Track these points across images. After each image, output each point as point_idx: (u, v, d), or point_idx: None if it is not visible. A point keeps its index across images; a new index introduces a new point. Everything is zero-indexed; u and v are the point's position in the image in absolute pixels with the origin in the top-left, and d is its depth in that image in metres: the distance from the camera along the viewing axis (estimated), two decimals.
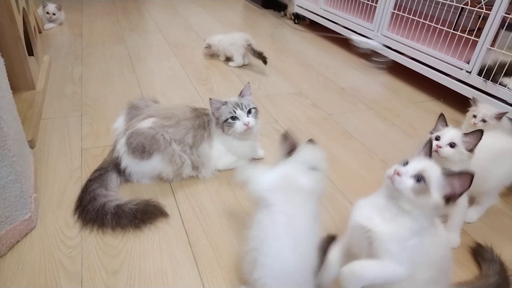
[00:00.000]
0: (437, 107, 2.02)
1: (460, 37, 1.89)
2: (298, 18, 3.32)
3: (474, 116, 1.48)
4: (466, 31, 1.88)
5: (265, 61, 2.17)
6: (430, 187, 0.70)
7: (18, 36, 1.52)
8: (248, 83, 1.33)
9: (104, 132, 1.49)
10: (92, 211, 1.07)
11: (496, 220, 1.24)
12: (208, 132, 1.30)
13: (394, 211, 0.73)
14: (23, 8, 1.70)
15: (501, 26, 1.72)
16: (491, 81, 1.73)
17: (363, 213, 0.77)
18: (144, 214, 1.08)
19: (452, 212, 1.13)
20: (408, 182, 0.71)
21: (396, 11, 2.25)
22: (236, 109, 1.23)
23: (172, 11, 3.44)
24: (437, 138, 1.06)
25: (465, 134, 1.03)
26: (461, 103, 1.96)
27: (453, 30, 1.97)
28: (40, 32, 2.44)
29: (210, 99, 1.23)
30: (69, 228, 1.06)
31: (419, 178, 0.70)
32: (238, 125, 1.23)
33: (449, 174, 0.71)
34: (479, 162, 1.10)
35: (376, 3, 2.36)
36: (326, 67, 2.43)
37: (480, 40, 1.75)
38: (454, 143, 1.03)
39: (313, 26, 3.24)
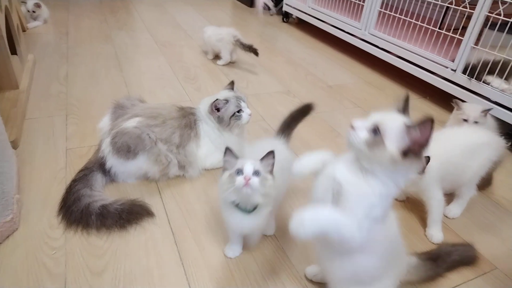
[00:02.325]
0: (423, 105, 2.04)
1: (446, 36, 1.92)
2: (287, 17, 3.33)
3: (465, 120, 1.45)
4: (454, 29, 1.90)
5: (256, 53, 2.16)
6: (385, 138, 0.64)
7: (0, 34, 1.49)
8: (233, 80, 1.40)
9: (90, 132, 1.48)
10: (76, 211, 1.06)
11: (480, 216, 1.26)
12: (195, 131, 1.30)
13: (362, 173, 0.68)
14: (5, 6, 1.67)
15: (485, 25, 1.74)
16: (475, 79, 1.76)
17: (338, 166, 0.71)
18: (130, 214, 1.08)
19: (429, 208, 1.14)
20: (361, 135, 0.66)
21: (383, 10, 2.27)
22: (240, 102, 1.29)
23: (161, 9, 3.41)
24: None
25: None
26: (447, 101, 1.98)
27: (440, 28, 1.99)
28: (24, 31, 2.40)
29: (216, 99, 1.25)
30: (53, 229, 1.04)
31: (375, 130, 0.65)
32: (244, 116, 1.29)
33: (409, 125, 0.64)
34: (454, 159, 1.13)
35: (364, 2, 2.37)
36: (314, 66, 2.44)
37: (465, 39, 1.78)
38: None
39: (301, 25, 3.25)
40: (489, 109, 1.46)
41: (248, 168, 0.83)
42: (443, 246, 1.08)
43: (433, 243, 1.12)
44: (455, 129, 1.31)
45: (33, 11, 2.55)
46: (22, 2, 2.53)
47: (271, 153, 0.86)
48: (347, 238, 0.67)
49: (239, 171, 0.83)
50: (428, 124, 0.62)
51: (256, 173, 0.83)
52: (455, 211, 1.23)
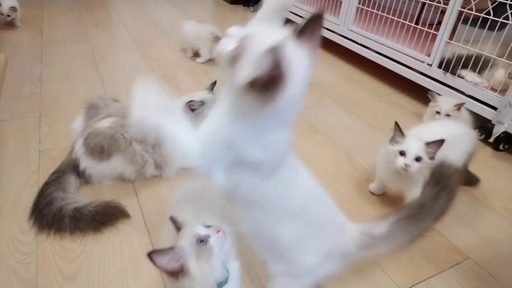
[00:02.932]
0: (401, 99, 2.07)
1: (422, 31, 1.94)
2: None
3: (438, 113, 1.52)
4: (430, 24, 1.92)
5: None
6: (242, 56, 0.53)
7: None
8: (216, 80, 1.39)
9: (64, 133, 1.44)
10: (48, 215, 1.04)
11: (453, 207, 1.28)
12: None
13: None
14: None
15: (458, 19, 1.78)
16: (450, 73, 1.79)
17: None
18: (104, 216, 1.06)
19: (406, 194, 1.16)
20: (229, 46, 0.55)
21: (360, 6, 2.28)
22: None
23: (139, 7, 3.35)
24: (402, 153, 1.05)
25: (428, 144, 1.04)
26: (424, 95, 2.02)
27: (417, 23, 2.02)
28: None
29: (191, 101, 1.23)
30: (24, 234, 1.02)
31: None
32: None
33: (274, 48, 0.49)
34: None
35: None
36: None
37: (439, 34, 1.81)
38: (420, 157, 1.04)
39: None
40: (462, 104, 1.49)
41: (202, 228, 0.69)
42: (425, 194, 0.79)
43: None
44: (431, 123, 1.33)
45: (8, 15, 2.43)
46: None
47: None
48: (182, 151, 0.62)
49: (201, 240, 0.67)
50: (274, 55, 0.48)
51: (209, 227, 0.71)
52: None
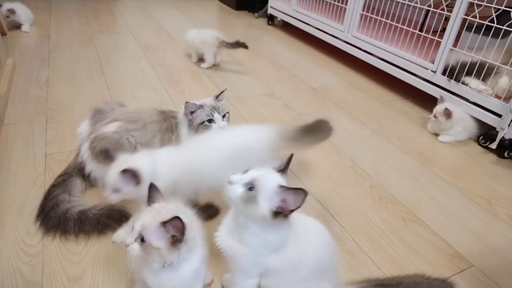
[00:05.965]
0: (405, 106, 2.07)
1: (426, 38, 1.95)
2: (272, 20, 3.35)
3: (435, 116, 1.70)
4: (435, 31, 1.93)
5: (245, 46, 2.17)
6: (258, 196, 0.68)
7: None
8: (226, 89, 1.37)
9: (70, 137, 1.46)
10: (54, 217, 1.05)
11: (457, 214, 1.28)
12: (176, 135, 1.29)
13: (239, 230, 0.73)
14: None
15: (462, 27, 1.78)
16: (454, 80, 1.80)
17: (221, 235, 0.78)
18: (109, 219, 1.07)
19: None
20: (238, 190, 0.69)
21: (364, 13, 2.30)
22: (214, 112, 1.26)
23: (144, 12, 3.39)
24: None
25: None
26: (428, 102, 2.02)
27: (421, 30, 2.03)
28: (4, 34, 2.36)
29: (187, 102, 1.23)
30: (30, 236, 1.03)
31: (251, 187, 0.68)
32: (214, 128, 1.26)
33: (285, 188, 0.68)
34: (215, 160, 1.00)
35: (346, 4, 2.40)
36: (298, 68, 2.45)
37: (443, 41, 1.81)
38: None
39: (286, 27, 3.27)
40: (448, 110, 1.64)
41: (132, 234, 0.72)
42: (413, 275, 0.94)
43: None
44: (229, 128, 1.20)
45: (7, 16, 2.49)
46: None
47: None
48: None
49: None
50: (301, 195, 0.67)
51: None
52: None
